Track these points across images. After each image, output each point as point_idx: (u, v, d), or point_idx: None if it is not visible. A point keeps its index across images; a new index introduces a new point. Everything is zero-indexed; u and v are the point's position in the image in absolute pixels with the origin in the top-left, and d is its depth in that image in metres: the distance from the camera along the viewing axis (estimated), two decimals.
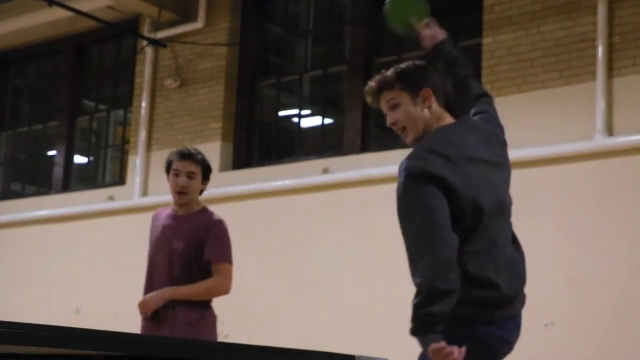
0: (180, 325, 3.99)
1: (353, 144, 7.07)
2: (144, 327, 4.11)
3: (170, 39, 8.13)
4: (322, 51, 8.06)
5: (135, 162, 8.13)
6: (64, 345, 1.62)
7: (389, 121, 2.87)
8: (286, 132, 8.05)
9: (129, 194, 8.13)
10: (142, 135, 8.14)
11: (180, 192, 4.07)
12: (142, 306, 4.03)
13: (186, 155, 4.09)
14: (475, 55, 6.47)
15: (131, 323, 7.37)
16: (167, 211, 4.23)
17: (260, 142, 7.91)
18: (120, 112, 8.93)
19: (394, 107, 2.84)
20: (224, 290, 4.11)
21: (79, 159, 9.24)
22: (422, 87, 2.83)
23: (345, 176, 6.81)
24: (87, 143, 9.35)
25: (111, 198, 8.28)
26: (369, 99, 2.93)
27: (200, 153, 4.17)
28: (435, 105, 2.83)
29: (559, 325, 5.60)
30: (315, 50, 7.98)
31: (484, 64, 6.31)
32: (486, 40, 6.34)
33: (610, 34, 5.81)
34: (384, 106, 2.88)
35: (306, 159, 7.30)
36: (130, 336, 1.73)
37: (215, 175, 7.67)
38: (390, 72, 2.87)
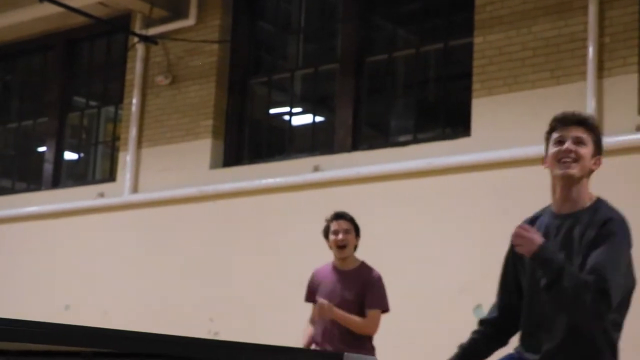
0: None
1: (344, 142, 7.07)
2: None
3: (162, 35, 8.12)
4: (314, 49, 8.06)
5: (126, 159, 8.12)
6: (52, 341, 1.62)
7: None
8: (277, 129, 8.05)
9: (119, 190, 8.12)
10: (133, 132, 8.12)
11: (341, 246, 4.85)
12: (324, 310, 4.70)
13: (340, 216, 4.95)
14: (466, 55, 6.49)
15: (120, 319, 7.39)
16: (328, 268, 4.95)
17: (251, 139, 7.90)
18: (111, 108, 8.91)
19: None
20: (370, 331, 4.81)
21: (69, 156, 9.22)
22: None
23: (335, 174, 6.81)
24: (77, 139, 9.32)
25: (101, 195, 8.26)
26: None
27: (348, 214, 4.98)
28: None
29: None
30: (306, 48, 7.98)
31: (475, 63, 6.33)
32: (477, 40, 6.36)
33: (601, 34, 5.83)
34: None
35: (297, 157, 7.29)
36: (120, 333, 1.72)
37: (205, 173, 7.72)
38: None
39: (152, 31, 8.14)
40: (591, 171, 3.03)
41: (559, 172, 2.98)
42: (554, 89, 5.97)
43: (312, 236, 6.87)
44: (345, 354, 2.38)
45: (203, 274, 7.37)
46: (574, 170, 2.95)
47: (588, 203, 2.99)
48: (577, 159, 2.96)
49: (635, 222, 5.53)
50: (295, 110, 7.87)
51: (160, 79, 8.02)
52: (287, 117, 7.87)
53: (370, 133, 7.33)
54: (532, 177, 5.98)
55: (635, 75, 5.71)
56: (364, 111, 7.16)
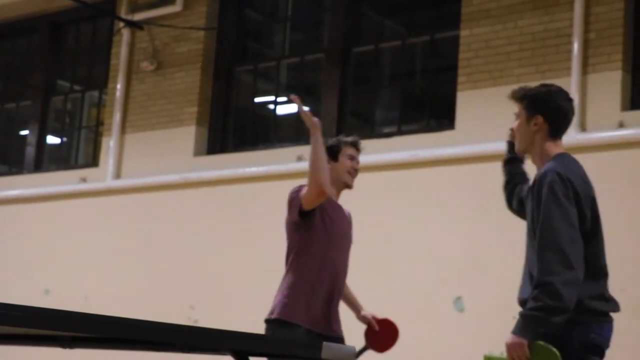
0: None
1: (328, 132, 7.06)
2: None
3: (148, 21, 8.07)
4: (300, 38, 8.05)
5: (109, 145, 8.08)
6: (31, 325, 1.62)
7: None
8: (262, 118, 8.03)
9: (101, 176, 8.08)
10: (117, 117, 8.08)
11: (353, 177, 4.27)
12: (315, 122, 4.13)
13: (360, 147, 4.33)
14: (452, 48, 6.50)
15: (101, 305, 7.37)
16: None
17: (236, 127, 7.89)
18: (95, 93, 8.86)
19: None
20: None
21: (52, 140, 9.17)
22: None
23: None
24: (60, 123, 9.27)
25: (84, 180, 8.23)
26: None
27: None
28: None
29: None
30: (293, 37, 7.96)
31: (461, 56, 6.34)
32: (464, 33, 6.37)
33: (586, 30, 5.86)
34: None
35: (281, 146, 7.29)
36: (99, 318, 1.73)
37: (189, 160, 7.70)
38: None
39: (138, 16, 8.10)
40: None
41: None
42: (538, 84, 5.99)
43: None
44: (325, 343, 2.39)
45: (184, 261, 7.36)
46: None
47: None
48: None
49: (617, 215, 5.58)
50: (280, 99, 7.86)
51: (146, 65, 7.98)
52: (272, 106, 7.86)
53: (354, 123, 7.33)
54: None
55: (619, 72, 5.74)
56: (349, 102, 7.16)
